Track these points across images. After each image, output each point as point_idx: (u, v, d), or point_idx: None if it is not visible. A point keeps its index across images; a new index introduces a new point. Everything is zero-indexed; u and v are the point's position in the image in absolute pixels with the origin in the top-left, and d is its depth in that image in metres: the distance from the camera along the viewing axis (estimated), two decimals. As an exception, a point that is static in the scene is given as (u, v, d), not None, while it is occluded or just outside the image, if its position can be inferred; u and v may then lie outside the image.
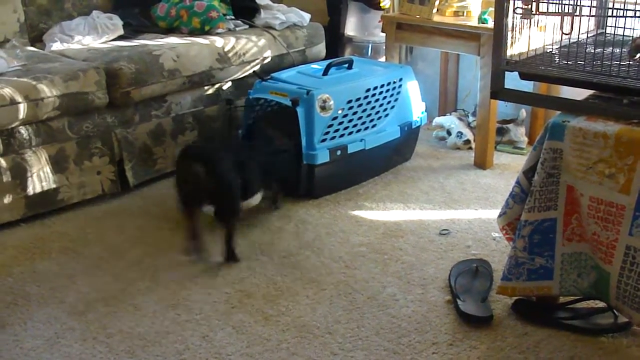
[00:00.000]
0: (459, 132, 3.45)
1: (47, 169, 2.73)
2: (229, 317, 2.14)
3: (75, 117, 2.79)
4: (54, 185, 2.76)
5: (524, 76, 2.03)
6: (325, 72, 3.02)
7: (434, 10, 3.17)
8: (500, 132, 3.41)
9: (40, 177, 2.72)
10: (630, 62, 1.97)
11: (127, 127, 2.96)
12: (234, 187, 2.41)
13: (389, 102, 3.07)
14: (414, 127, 3.22)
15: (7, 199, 2.65)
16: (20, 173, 2.67)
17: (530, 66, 2.01)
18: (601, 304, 2.08)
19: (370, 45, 3.91)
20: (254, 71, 3.22)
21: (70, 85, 2.71)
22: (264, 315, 2.14)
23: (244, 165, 2.48)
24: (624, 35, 2.22)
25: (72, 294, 2.29)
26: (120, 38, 3.20)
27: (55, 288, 2.32)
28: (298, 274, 2.37)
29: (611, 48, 2.08)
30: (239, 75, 3.28)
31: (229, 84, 3.31)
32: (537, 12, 1.99)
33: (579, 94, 1.97)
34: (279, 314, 2.15)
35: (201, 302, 2.23)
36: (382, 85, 3.02)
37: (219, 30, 3.30)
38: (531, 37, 2.05)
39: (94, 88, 2.78)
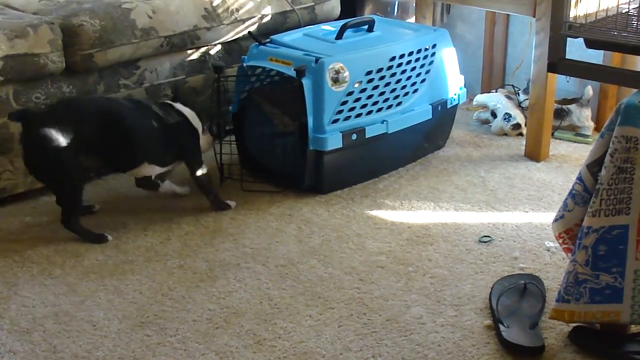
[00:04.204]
0: (506, 113, 3.44)
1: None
2: (212, 341, 2.14)
3: (22, 85, 2.79)
4: (-5, 171, 2.76)
5: (591, 44, 2.02)
6: (339, 36, 3.01)
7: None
8: (560, 114, 3.40)
9: (-22, 160, 2.73)
10: None
11: (88, 99, 2.95)
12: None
13: (418, 75, 3.07)
14: (449, 106, 3.21)
15: None
16: (-48, 154, 2.68)
17: (599, 31, 2.00)
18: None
19: (396, 2, 3.90)
20: (249, 32, 3.22)
21: (17, 45, 2.70)
22: (255, 339, 2.14)
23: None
24: None
25: (14, 307, 2.29)
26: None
27: (-7, 299, 2.33)
28: (300, 288, 2.37)
29: None
30: (231, 37, 3.28)
31: (218, 47, 3.31)
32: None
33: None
34: (275, 337, 2.15)
35: (177, 320, 2.22)
36: (411, 53, 3.01)
37: (207, -20, 3.30)
38: (601, -7, 2.05)
39: (47, 49, 2.77)
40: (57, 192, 2.64)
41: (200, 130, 2.81)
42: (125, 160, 2.69)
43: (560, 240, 2.10)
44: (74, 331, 2.18)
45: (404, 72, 3.00)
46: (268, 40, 3.02)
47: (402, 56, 2.97)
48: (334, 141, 2.82)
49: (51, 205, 2.79)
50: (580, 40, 2.02)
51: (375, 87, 2.92)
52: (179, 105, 2.79)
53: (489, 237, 2.64)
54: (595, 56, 2.90)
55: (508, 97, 3.52)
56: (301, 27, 3.30)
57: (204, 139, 2.84)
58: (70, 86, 2.90)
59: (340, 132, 2.84)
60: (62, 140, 2.50)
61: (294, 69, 2.79)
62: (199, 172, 2.77)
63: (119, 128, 2.61)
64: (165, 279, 2.41)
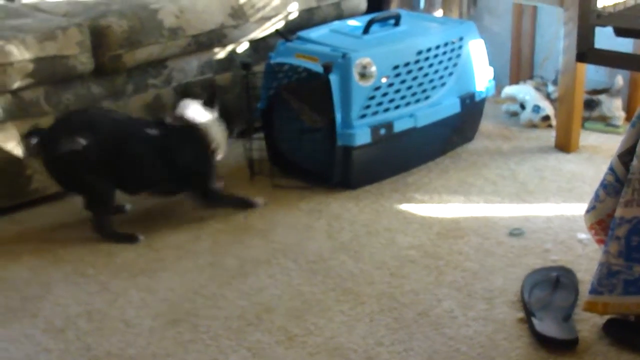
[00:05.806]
0: (535, 105, 3.42)
1: (18, 151, 2.75)
2: (244, 337, 2.14)
3: (53, 87, 2.81)
4: (25, 173, 2.78)
5: (620, 32, 2.00)
6: (366, 30, 3.01)
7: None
8: (590, 105, 3.38)
9: (9, 162, 2.74)
10: None
11: (117, 100, 2.98)
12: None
13: (446, 68, 3.06)
14: (478, 99, 3.20)
15: (-31, 189, 2.69)
16: (-16, 156, 2.70)
17: (629, 19, 1.98)
18: None
19: (423, -4, 3.89)
20: (276, 30, 3.22)
21: (47, 47, 2.72)
22: (287, 335, 2.14)
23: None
24: None
25: (48, 306, 2.31)
26: (109, -12, 3.21)
27: (27, 299, 2.34)
28: (330, 284, 2.37)
29: None
30: (258, 34, 3.29)
31: (246, 45, 3.32)
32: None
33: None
34: (307, 333, 2.15)
35: (209, 317, 2.23)
36: (438, 47, 3.01)
37: (233, -22, 3.31)
38: (630, -19, 2.03)
39: (76, 50, 2.80)
40: (88, 199, 2.65)
41: (216, 134, 2.70)
42: (130, 184, 2.69)
43: (593, 232, 2.09)
44: (107, 329, 2.19)
45: (431, 65, 2.99)
46: (295, 36, 3.02)
47: (429, 50, 2.97)
48: (362, 136, 2.82)
49: (81, 206, 2.81)
50: (609, 29, 2.00)
51: (403, 82, 2.91)
52: (190, 112, 2.67)
53: (519, 229, 2.62)
54: (625, 45, 2.87)
55: (537, 89, 3.50)
56: (327, 22, 3.30)
57: (217, 130, 2.71)
58: (100, 87, 2.92)
59: (369, 127, 2.83)
60: (79, 150, 2.51)
61: (321, 65, 2.79)
62: (214, 197, 2.75)
63: (121, 150, 2.59)
64: (196, 277, 2.42)
